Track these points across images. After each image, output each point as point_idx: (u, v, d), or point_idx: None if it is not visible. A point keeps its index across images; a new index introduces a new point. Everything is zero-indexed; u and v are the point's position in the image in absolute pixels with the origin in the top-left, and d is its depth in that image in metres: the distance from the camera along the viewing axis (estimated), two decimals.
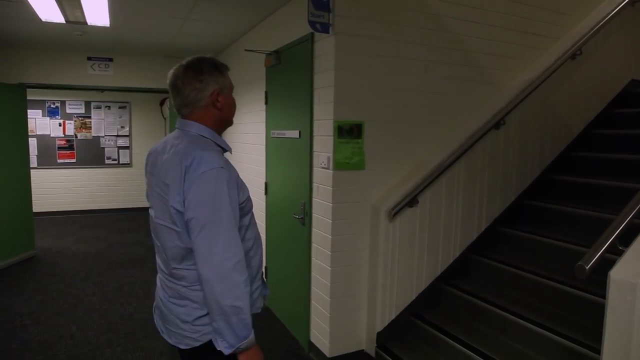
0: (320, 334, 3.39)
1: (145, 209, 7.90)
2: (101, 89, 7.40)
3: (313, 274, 3.47)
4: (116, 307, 4.43)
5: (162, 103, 9.16)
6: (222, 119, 1.73)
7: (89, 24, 4.53)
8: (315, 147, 3.34)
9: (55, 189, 8.84)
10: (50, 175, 8.78)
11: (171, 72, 1.68)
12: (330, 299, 3.24)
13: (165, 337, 1.76)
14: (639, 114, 4.21)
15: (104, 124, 9.13)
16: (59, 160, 8.84)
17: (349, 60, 3.09)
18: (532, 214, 3.85)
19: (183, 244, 1.58)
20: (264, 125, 4.37)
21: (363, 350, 3.40)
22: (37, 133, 8.60)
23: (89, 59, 6.25)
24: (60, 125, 8.81)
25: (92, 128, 9.04)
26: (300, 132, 3.55)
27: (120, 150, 9.27)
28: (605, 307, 1.88)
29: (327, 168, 3.17)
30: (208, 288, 1.50)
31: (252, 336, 1.54)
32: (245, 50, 4.41)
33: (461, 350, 2.92)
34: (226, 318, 1.50)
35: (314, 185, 3.38)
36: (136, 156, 9.36)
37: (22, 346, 3.62)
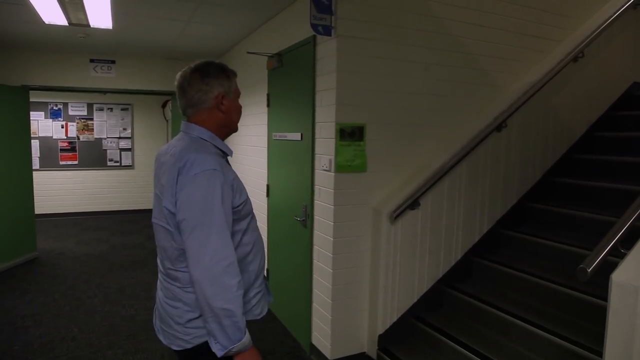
0: (322, 336, 3.39)
1: (147, 211, 7.92)
2: (103, 91, 7.42)
3: (314, 276, 3.47)
4: (118, 309, 4.43)
5: (164, 105, 9.17)
6: (226, 123, 1.74)
7: (91, 26, 4.54)
8: (317, 149, 3.34)
9: (57, 190, 8.86)
10: (53, 177, 8.79)
11: (179, 73, 1.71)
12: (331, 301, 3.24)
13: (160, 337, 1.77)
14: None
15: (106, 126, 9.14)
16: (61, 162, 8.86)
17: (351, 62, 3.09)
18: (534, 217, 3.85)
19: (177, 244, 1.59)
20: (265, 127, 4.38)
21: (364, 352, 3.40)
22: (40, 135, 8.61)
23: (92, 61, 6.27)
24: (62, 127, 8.83)
25: (95, 130, 9.06)
26: (302, 135, 3.56)
27: (122, 152, 9.28)
28: (607, 310, 1.88)
29: (329, 170, 3.17)
30: (199, 290, 1.50)
31: (245, 339, 1.53)
32: (248, 52, 4.42)
33: (463, 352, 2.92)
34: (218, 320, 1.49)
35: (316, 187, 3.38)
36: (138, 158, 9.38)
37: (24, 348, 3.63)
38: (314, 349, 3.53)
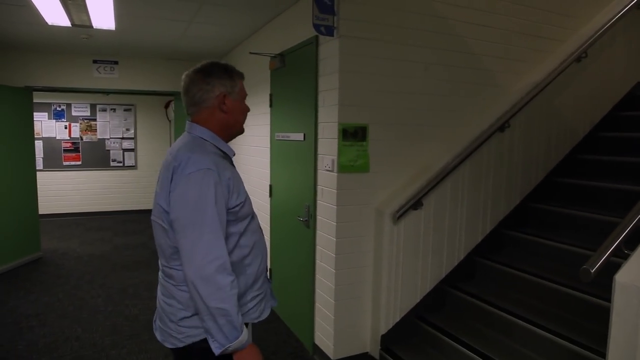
0: (325, 336, 3.39)
1: (150, 211, 7.94)
2: (106, 92, 7.44)
3: (317, 276, 3.48)
4: (121, 309, 4.44)
5: (167, 105, 9.19)
6: (229, 124, 1.74)
7: (94, 27, 4.56)
8: (320, 149, 3.34)
9: (60, 191, 8.88)
10: (56, 177, 8.82)
11: (184, 73, 1.73)
12: (334, 302, 3.24)
13: (157, 334, 1.78)
14: None
15: (109, 127, 9.17)
16: (65, 163, 8.88)
17: (354, 63, 3.09)
18: (537, 217, 3.84)
19: (170, 242, 1.61)
20: (268, 127, 4.38)
21: (367, 352, 3.40)
22: (43, 136, 8.64)
23: (95, 62, 6.28)
24: (65, 127, 8.86)
25: (98, 130, 9.09)
26: (304, 135, 3.56)
27: (125, 153, 9.30)
28: (610, 311, 1.88)
29: (332, 171, 3.17)
30: (193, 289, 1.51)
31: (242, 337, 1.53)
32: (250, 53, 4.43)
33: (465, 353, 2.91)
34: (214, 319, 1.50)
35: (319, 187, 3.39)
36: (141, 158, 9.40)
37: (29, 347, 3.64)
38: (316, 349, 3.53)
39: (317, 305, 3.49)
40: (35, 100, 6.22)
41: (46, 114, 8.67)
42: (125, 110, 9.24)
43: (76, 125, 8.92)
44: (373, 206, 3.28)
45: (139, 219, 8.88)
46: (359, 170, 3.19)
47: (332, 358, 3.30)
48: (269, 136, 4.38)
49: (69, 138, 8.89)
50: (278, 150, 4.20)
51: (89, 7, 3.87)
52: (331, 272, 3.24)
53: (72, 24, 4.42)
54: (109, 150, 9.19)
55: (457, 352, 2.98)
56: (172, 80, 6.69)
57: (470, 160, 3.49)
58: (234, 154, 1.80)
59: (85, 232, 7.80)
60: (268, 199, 4.44)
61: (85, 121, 8.99)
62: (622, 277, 1.85)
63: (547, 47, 3.94)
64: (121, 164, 9.30)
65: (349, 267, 3.25)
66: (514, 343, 2.93)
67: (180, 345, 1.65)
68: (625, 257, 1.98)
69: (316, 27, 3.01)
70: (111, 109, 9.15)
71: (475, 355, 2.85)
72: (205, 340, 1.57)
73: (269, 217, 4.44)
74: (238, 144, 5.35)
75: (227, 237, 1.61)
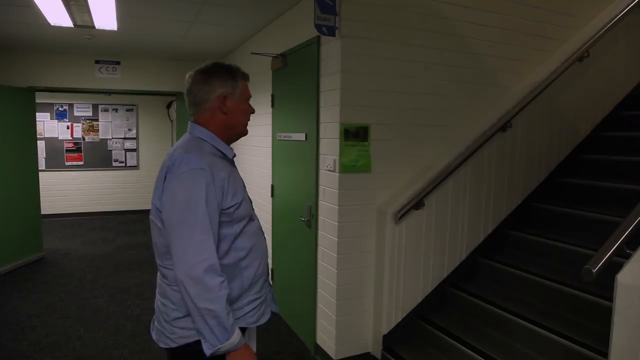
0: (327, 336, 3.40)
1: None
2: (109, 92, 7.46)
3: (319, 276, 3.48)
4: (123, 309, 4.45)
5: (169, 106, 9.20)
6: (230, 125, 1.74)
7: (97, 27, 4.56)
8: (322, 149, 3.35)
9: (63, 191, 8.90)
10: (58, 177, 8.84)
11: (187, 73, 1.74)
12: (336, 302, 3.24)
13: (152, 333, 1.77)
14: None
15: (111, 127, 9.18)
16: (67, 163, 8.90)
17: (356, 63, 3.09)
18: (539, 217, 3.84)
19: (163, 240, 1.61)
20: (270, 128, 4.38)
21: (369, 352, 3.40)
22: (46, 136, 8.66)
23: (97, 62, 6.29)
24: (68, 128, 8.88)
25: (100, 131, 9.11)
26: (306, 135, 3.56)
27: (127, 153, 9.32)
28: (612, 311, 1.88)
29: (334, 171, 3.17)
30: (183, 289, 1.51)
31: (233, 338, 1.52)
32: (252, 53, 4.43)
33: (468, 353, 2.91)
34: (204, 320, 1.49)
35: (320, 188, 3.39)
36: (143, 158, 9.41)
37: (31, 347, 3.65)
38: (318, 349, 3.53)
39: (319, 305, 3.49)
40: (37, 101, 6.24)
41: (48, 114, 8.70)
42: (127, 110, 9.26)
43: (78, 126, 8.94)
44: (375, 206, 3.28)
45: (141, 219, 8.89)
46: (361, 171, 3.19)
47: (334, 358, 3.30)
48: (270, 136, 4.39)
49: (71, 138, 8.91)
50: (280, 150, 4.20)
51: (91, 7, 3.88)
52: (333, 272, 3.25)
53: (74, 25, 4.43)
54: (111, 150, 9.21)
55: (459, 352, 2.98)
56: (174, 80, 6.70)
57: (472, 160, 3.49)
58: (234, 155, 1.79)
59: (88, 232, 7.81)
60: (270, 199, 4.45)
61: (88, 121, 9.00)
62: (624, 277, 1.85)
63: (549, 46, 3.94)
64: (123, 164, 9.32)
65: (351, 267, 3.26)
66: (516, 343, 2.93)
67: (173, 345, 1.65)
68: (627, 257, 1.98)
69: (318, 27, 3.01)
70: (113, 109, 9.17)
71: (477, 356, 2.85)
72: (198, 342, 1.56)
73: (271, 217, 4.44)
74: (240, 144, 5.35)
75: (221, 239, 1.61)
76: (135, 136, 9.35)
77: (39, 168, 6.27)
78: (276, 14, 4.14)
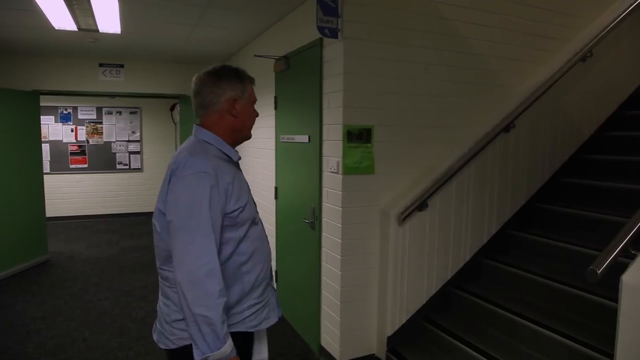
0: (331, 338, 3.40)
1: None
2: (112, 95, 7.48)
3: (323, 278, 3.48)
4: (128, 312, 4.46)
5: (172, 108, 9.22)
6: (237, 128, 1.74)
7: (100, 31, 4.59)
8: (325, 151, 3.35)
9: (67, 194, 8.93)
10: (63, 180, 8.87)
11: (195, 75, 1.74)
12: (340, 303, 3.24)
13: (154, 334, 1.78)
14: None
15: (115, 130, 9.21)
16: (71, 166, 8.94)
17: (358, 65, 3.10)
18: (543, 218, 3.83)
19: (165, 244, 1.60)
20: (273, 130, 4.39)
21: (374, 354, 3.40)
22: (50, 139, 8.70)
23: (101, 65, 6.32)
24: (72, 131, 8.91)
25: (104, 133, 9.14)
26: (309, 137, 3.57)
27: (131, 155, 9.35)
28: (617, 312, 1.87)
29: (337, 172, 3.18)
30: (181, 293, 1.49)
31: (225, 348, 1.49)
32: (255, 55, 4.44)
33: (472, 354, 2.91)
34: (197, 326, 1.47)
35: (324, 189, 3.39)
36: (147, 161, 9.44)
37: (37, 350, 3.67)
38: (323, 351, 3.53)
39: (323, 307, 3.49)
40: (42, 104, 6.26)
41: (53, 117, 8.73)
42: (131, 113, 9.29)
43: (82, 129, 8.97)
44: (378, 208, 3.28)
45: (145, 221, 8.91)
46: (364, 172, 3.19)
47: None
48: (274, 138, 4.39)
49: (75, 141, 8.94)
50: (283, 152, 4.21)
51: (95, 11, 3.90)
52: (337, 273, 3.25)
53: (78, 28, 4.45)
54: (115, 153, 9.24)
55: (463, 353, 2.97)
56: (178, 83, 6.72)
57: (475, 161, 3.48)
58: (239, 158, 1.78)
59: (92, 235, 7.84)
60: (274, 201, 4.45)
61: (92, 124, 9.04)
62: (629, 278, 1.84)
63: (552, 46, 3.93)
64: (127, 167, 9.34)
65: (355, 269, 3.26)
66: (520, 344, 2.92)
67: (172, 346, 1.65)
68: (632, 258, 1.98)
69: (320, 29, 3.02)
70: (117, 112, 9.20)
71: (481, 357, 2.84)
72: None
73: (274, 219, 4.45)
74: (243, 147, 5.33)
75: (224, 243, 1.60)
76: (139, 139, 9.38)
77: (44, 171, 6.29)
78: (278, 16, 4.15)
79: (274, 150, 4.39)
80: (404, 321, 3.32)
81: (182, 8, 3.93)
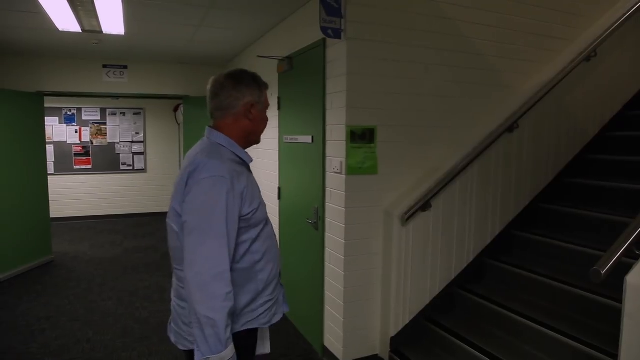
0: (334, 339, 3.39)
1: (160, 214, 7.95)
2: (116, 96, 7.50)
3: (326, 278, 3.48)
4: (132, 312, 4.47)
5: (176, 109, 9.24)
6: (251, 131, 1.78)
7: (104, 32, 4.60)
8: (328, 152, 3.35)
9: (71, 195, 8.96)
10: (67, 181, 8.90)
11: (212, 78, 1.76)
12: (343, 304, 3.24)
13: (170, 335, 1.80)
14: None
15: (119, 131, 9.24)
16: (76, 167, 8.96)
17: (361, 65, 3.10)
18: (547, 218, 3.82)
19: (182, 244, 1.61)
20: (277, 130, 4.40)
21: (377, 354, 3.39)
22: (54, 140, 8.72)
23: (105, 66, 6.34)
24: (76, 132, 8.94)
25: (108, 134, 9.16)
26: (313, 137, 3.57)
27: (135, 156, 9.37)
28: (622, 312, 1.86)
29: (340, 173, 3.18)
30: (188, 293, 1.52)
31: (225, 353, 1.51)
32: (258, 56, 4.45)
33: (475, 354, 2.90)
34: (201, 327, 1.49)
35: (327, 190, 3.39)
36: (151, 162, 9.46)
37: (41, 350, 3.68)
38: (326, 351, 3.53)
39: (327, 307, 3.49)
40: (46, 105, 6.28)
41: (57, 118, 8.76)
42: (134, 114, 9.31)
43: (86, 130, 9.00)
44: (381, 208, 3.28)
45: (149, 221, 8.94)
46: (367, 172, 3.19)
47: None
48: (277, 139, 4.40)
49: (79, 142, 8.97)
50: (286, 152, 4.21)
51: (99, 12, 3.92)
52: (340, 274, 3.25)
53: (82, 30, 4.47)
54: (119, 153, 9.26)
55: (467, 354, 2.97)
56: (181, 84, 6.74)
57: (478, 161, 3.48)
58: (252, 161, 1.82)
59: (96, 235, 7.86)
60: (277, 202, 4.46)
61: (96, 125, 9.06)
62: (633, 278, 1.84)
63: (555, 46, 3.92)
64: (131, 168, 9.37)
65: (358, 269, 3.26)
66: (524, 345, 2.92)
67: (192, 347, 1.66)
68: (637, 258, 1.97)
69: (323, 29, 3.02)
70: (121, 113, 9.22)
71: (485, 357, 2.84)
72: None
73: (278, 219, 4.45)
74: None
75: (239, 244, 1.62)
76: (142, 139, 9.40)
77: (48, 172, 6.30)
78: (282, 17, 4.15)
79: (278, 151, 4.39)
80: (407, 321, 3.32)
81: (186, 9, 3.94)
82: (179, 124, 9.34)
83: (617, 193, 3.61)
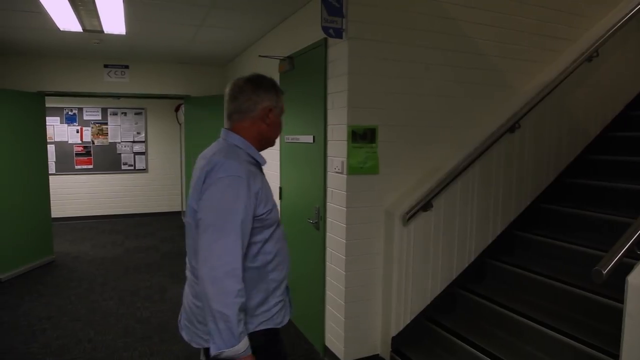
0: (335, 339, 3.39)
1: (162, 214, 7.94)
2: (117, 96, 7.51)
3: (328, 278, 3.48)
4: (133, 312, 4.48)
5: (177, 109, 9.25)
6: (266, 136, 1.82)
7: (105, 32, 4.60)
8: (329, 151, 3.35)
9: (73, 194, 8.97)
10: (68, 181, 8.90)
11: (232, 81, 1.81)
12: (344, 304, 3.24)
13: (182, 333, 1.83)
14: None
15: (120, 130, 9.24)
16: (77, 167, 8.97)
17: (363, 65, 3.10)
18: (548, 218, 3.81)
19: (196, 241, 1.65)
20: None
21: (378, 354, 3.39)
22: (55, 140, 8.73)
23: (106, 66, 6.35)
24: (77, 132, 8.95)
25: (109, 134, 9.16)
26: (314, 137, 3.57)
27: (136, 156, 9.37)
28: (623, 313, 1.86)
29: (341, 173, 3.17)
30: (202, 289, 1.55)
31: (239, 347, 1.54)
32: (259, 56, 4.45)
33: (476, 354, 2.90)
34: (215, 321, 1.52)
35: (328, 190, 3.39)
36: (152, 162, 9.46)
37: (42, 350, 3.68)
38: (327, 351, 3.53)
39: (328, 307, 3.49)
40: (47, 105, 6.29)
41: (58, 118, 8.77)
42: (136, 114, 9.32)
43: (88, 130, 9.00)
44: (383, 208, 3.27)
45: (150, 221, 8.95)
46: (369, 172, 3.19)
47: None
48: (278, 138, 4.38)
49: (80, 142, 8.97)
50: (288, 152, 4.21)
51: (100, 12, 3.92)
52: (341, 274, 3.25)
53: (83, 30, 4.47)
54: (120, 153, 9.27)
55: (468, 354, 2.96)
56: (182, 84, 6.74)
57: (480, 161, 3.48)
58: (265, 163, 1.85)
59: (97, 235, 7.87)
60: (278, 202, 4.45)
61: (97, 125, 9.07)
62: (634, 279, 1.83)
63: (557, 46, 3.92)
64: (132, 167, 9.37)
65: (359, 269, 3.25)
66: (526, 345, 2.91)
67: (206, 345, 1.70)
68: (638, 258, 1.97)
69: (325, 29, 3.02)
70: (122, 113, 9.23)
71: (486, 357, 2.84)
72: None
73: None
74: None
75: (252, 244, 1.66)
76: (144, 139, 9.40)
77: (49, 172, 6.31)
78: (283, 16, 4.15)
79: (279, 151, 4.39)
80: (408, 321, 3.31)
81: (187, 9, 3.94)
82: (180, 124, 9.34)
83: (618, 193, 3.60)
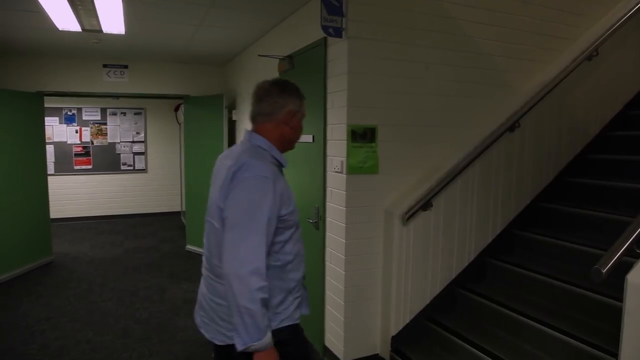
0: (335, 338, 3.39)
1: (161, 214, 7.92)
2: (117, 96, 7.50)
3: (327, 278, 3.48)
4: (132, 312, 4.47)
5: (176, 109, 9.23)
6: (289, 138, 1.88)
7: (104, 32, 4.60)
8: (329, 151, 3.35)
9: (72, 195, 8.95)
10: (67, 181, 8.89)
11: (258, 83, 1.87)
12: (344, 303, 3.24)
13: (202, 330, 1.87)
14: None
15: (119, 131, 9.23)
16: (76, 167, 8.95)
17: (362, 64, 3.09)
18: (548, 217, 3.81)
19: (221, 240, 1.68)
20: None
21: (378, 354, 3.39)
22: (54, 140, 8.72)
23: (105, 66, 6.34)
24: (76, 132, 8.93)
25: (108, 134, 9.15)
26: (313, 137, 3.56)
27: (135, 156, 9.36)
28: (622, 311, 1.86)
29: (341, 172, 3.17)
30: (228, 285, 1.58)
31: (264, 340, 1.59)
32: (259, 55, 4.45)
33: (477, 354, 2.90)
34: (241, 317, 1.56)
35: (328, 189, 3.39)
36: (151, 162, 9.45)
37: (41, 351, 3.67)
38: (327, 351, 3.52)
39: (327, 307, 3.49)
40: (46, 105, 6.27)
41: (57, 118, 8.75)
42: (135, 114, 9.31)
43: (87, 130, 8.99)
44: (382, 207, 3.27)
45: (149, 222, 8.94)
46: (368, 172, 3.18)
47: None
48: None
49: (79, 142, 8.96)
50: (287, 152, 4.19)
51: (98, 11, 3.91)
52: (341, 273, 3.24)
53: (82, 29, 4.47)
54: (119, 154, 9.25)
55: (468, 353, 2.96)
56: (182, 83, 6.74)
57: (480, 161, 3.47)
58: (287, 165, 1.89)
59: (96, 236, 7.86)
60: None
61: (96, 125, 9.06)
62: (634, 278, 1.83)
63: (557, 46, 3.92)
64: (132, 168, 9.36)
65: (359, 269, 3.25)
66: (525, 344, 2.91)
67: (229, 342, 1.72)
68: (637, 257, 1.97)
69: (324, 28, 3.02)
70: (121, 113, 9.22)
71: (486, 357, 2.83)
72: None
73: None
74: None
75: (274, 243, 1.70)
76: (143, 139, 9.39)
77: (48, 172, 6.30)
78: (283, 16, 4.15)
79: None
80: (408, 321, 3.31)
81: (186, 8, 3.94)
82: (179, 124, 9.33)
83: (618, 192, 3.60)
